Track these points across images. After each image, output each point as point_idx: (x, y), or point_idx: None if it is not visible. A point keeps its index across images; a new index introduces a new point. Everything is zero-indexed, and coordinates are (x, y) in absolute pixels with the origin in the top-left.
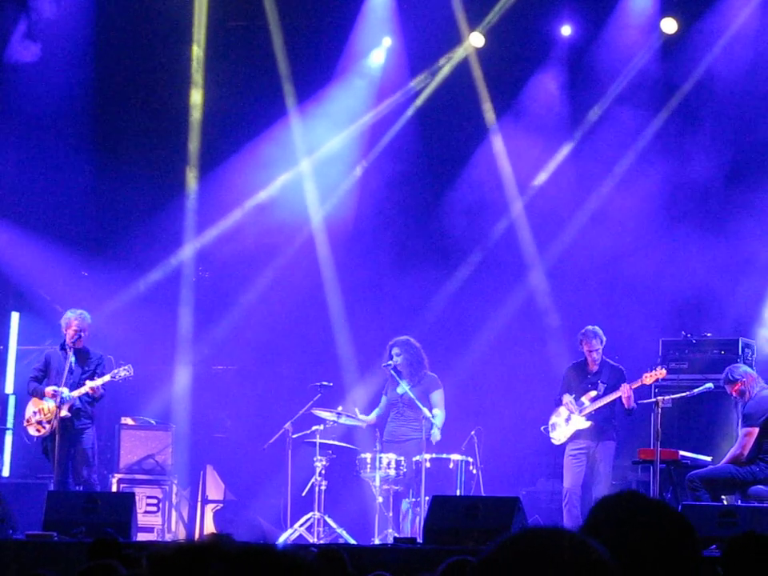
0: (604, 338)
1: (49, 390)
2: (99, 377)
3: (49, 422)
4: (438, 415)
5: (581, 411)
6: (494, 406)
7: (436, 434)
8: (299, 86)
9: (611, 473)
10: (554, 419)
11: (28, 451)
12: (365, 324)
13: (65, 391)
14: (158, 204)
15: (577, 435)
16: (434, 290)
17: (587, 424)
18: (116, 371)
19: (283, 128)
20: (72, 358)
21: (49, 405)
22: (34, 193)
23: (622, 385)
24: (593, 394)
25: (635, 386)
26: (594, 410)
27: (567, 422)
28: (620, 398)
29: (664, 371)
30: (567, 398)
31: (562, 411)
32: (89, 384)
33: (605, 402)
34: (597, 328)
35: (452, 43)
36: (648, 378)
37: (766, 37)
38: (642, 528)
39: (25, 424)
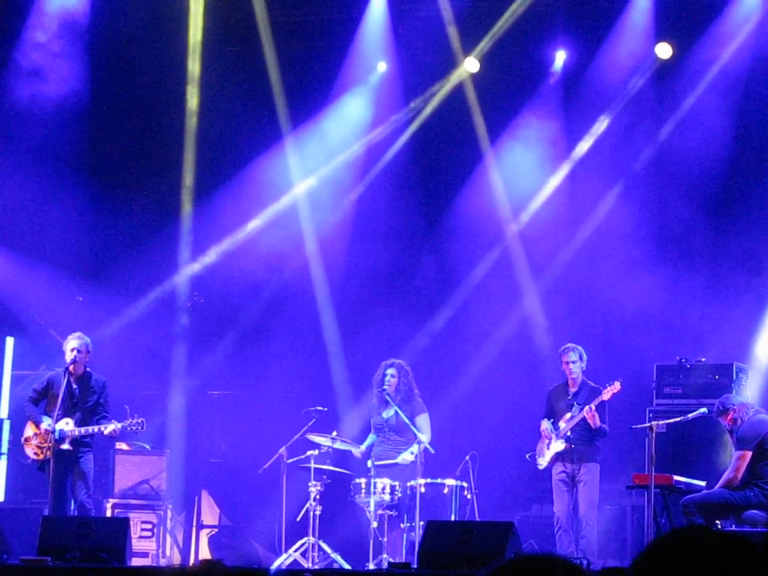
0: (585, 356)
1: (43, 426)
2: (103, 405)
3: (49, 448)
4: (424, 440)
5: (558, 436)
6: (489, 431)
7: (408, 457)
8: (294, 111)
9: (598, 495)
10: (539, 445)
11: (23, 476)
12: (359, 349)
13: (57, 426)
14: (153, 229)
15: (558, 458)
16: (429, 315)
17: (562, 446)
18: (128, 422)
19: (278, 153)
20: (74, 385)
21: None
22: (29, 218)
23: (586, 406)
24: (568, 416)
25: (594, 403)
26: (573, 433)
27: (549, 447)
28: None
29: (618, 384)
30: (545, 425)
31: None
32: (105, 429)
33: (575, 422)
34: (577, 346)
35: (447, 68)
36: (606, 394)
37: (758, 63)
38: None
39: (23, 442)
